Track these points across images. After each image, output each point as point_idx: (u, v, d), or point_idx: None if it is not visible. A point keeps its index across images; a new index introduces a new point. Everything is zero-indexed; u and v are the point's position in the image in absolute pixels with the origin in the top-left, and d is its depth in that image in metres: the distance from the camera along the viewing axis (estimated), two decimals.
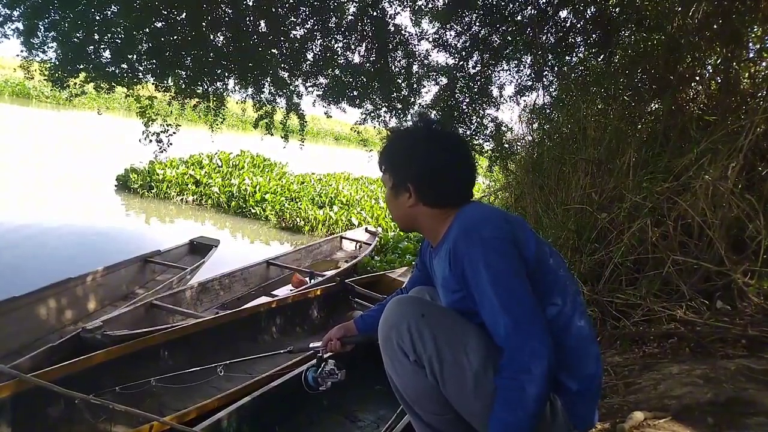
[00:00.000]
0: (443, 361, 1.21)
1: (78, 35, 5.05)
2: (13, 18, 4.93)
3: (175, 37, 5.46)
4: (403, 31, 6.18)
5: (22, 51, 5.16)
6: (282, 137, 6.79)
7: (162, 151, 6.40)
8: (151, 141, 6.22)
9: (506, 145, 6.60)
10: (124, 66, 5.51)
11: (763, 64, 3.50)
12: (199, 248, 6.02)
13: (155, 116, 6.20)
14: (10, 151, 11.05)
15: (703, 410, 1.64)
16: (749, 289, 2.48)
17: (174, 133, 6.33)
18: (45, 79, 5.51)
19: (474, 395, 1.21)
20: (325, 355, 1.88)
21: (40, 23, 4.96)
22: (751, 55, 3.45)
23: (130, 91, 5.86)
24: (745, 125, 2.74)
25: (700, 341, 2.27)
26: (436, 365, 1.21)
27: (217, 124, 6.70)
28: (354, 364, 3.35)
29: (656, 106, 3.85)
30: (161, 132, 6.23)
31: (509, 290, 1.17)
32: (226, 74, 6.06)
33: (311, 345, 2.07)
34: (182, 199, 10.24)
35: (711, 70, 3.57)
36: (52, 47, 5.18)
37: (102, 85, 5.62)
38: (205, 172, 11.25)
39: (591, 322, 1.34)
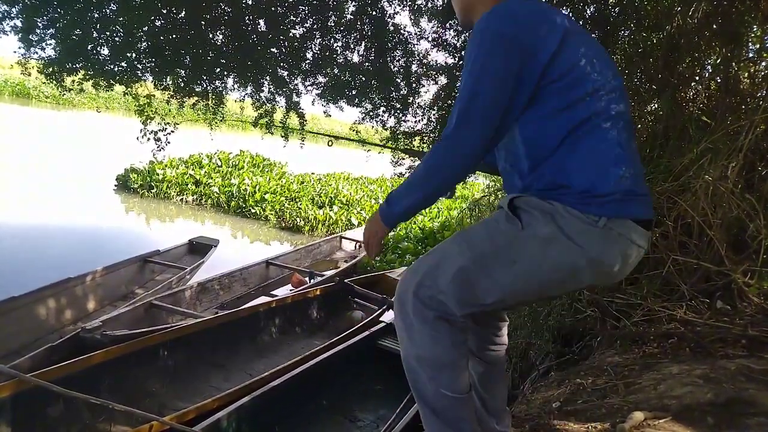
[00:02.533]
0: (464, 270, 1.18)
1: (76, 33, 5.04)
2: (12, 15, 4.92)
3: (174, 36, 5.45)
4: (402, 31, 6.17)
5: (20, 48, 5.16)
6: (282, 136, 6.79)
7: (160, 150, 6.38)
8: (149, 139, 6.21)
9: None
10: (123, 64, 5.51)
11: (763, 64, 3.50)
12: (199, 248, 6.02)
13: (153, 114, 6.19)
14: (10, 151, 11.04)
15: (703, 410, 1.64)
16: (749, 289, 2.48)
17: (172, 131, 6.32)
18: (40, 72, 5.50)
19: (502, 270, 1.18)
20: None
21: (39, 20, 4.95)
22: (751, 55, 3.45)
23: (129, 89, 5.85)
24: (745, 125, 2.73)
25: (700, 341, 2.27)
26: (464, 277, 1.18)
27: (217, 123, 6.70)
28: (355, 364, 3.36)
29: (656, 106, 3.85)
30: (159, 130, 6.22)
31: (474, 85, 1.13)
32: (226, 73, 6.05)
33: None
34: (182, 198, 10.24)
35: (711, 70, 3.57)
36: (50, 44, 5.18)
37: (100, 83, 5.61)
38: (205, 171, 11.25)
39: (627, 132, 1.21)
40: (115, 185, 10.36)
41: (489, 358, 1.48)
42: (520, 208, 1.19)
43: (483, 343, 1.47)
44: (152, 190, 10.09)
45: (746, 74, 3.39)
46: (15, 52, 5.28)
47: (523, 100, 1.15)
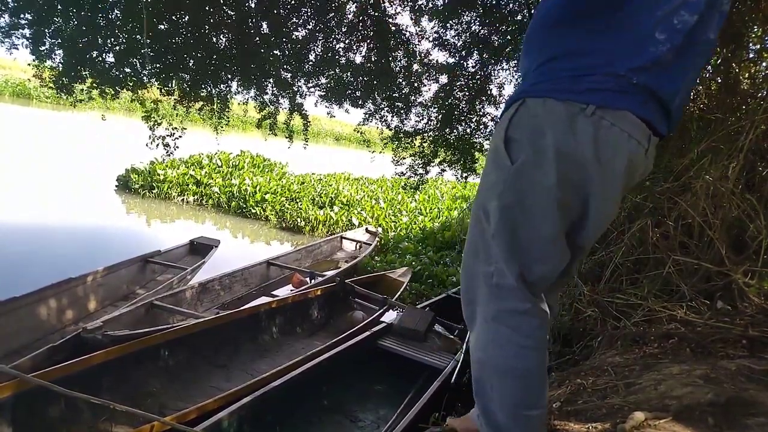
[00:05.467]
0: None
1: (82, 40, 5.07)
2: (20, 25, 4.93)
3: (178, 40, 5.47)
4: (403, 31, 6.19)
5: (33, 60, 5.20)
6: (286, 137, 6.81)
7: (169, 155, 6.43)
8: (158, 145, 6.24)
9: None
10: (128, 70, 5.53)
11: (763, 64, 3.50)
12: (200, 248, 6.02)
13: (160, 120, 6.21)
14: (10, 151, 11.06)
15: (703, 410, 1.64)
16: (750, 289, 2.48)
17: (180, 136, 6.35)
18: (51, 87, 5.55)
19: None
20: None
21: (47, 30, 4.97)
22: (752, 55, 3.46)
23: (135, 95, 5.88)
24: (745, 125, 2.73)
25: (701, 341, 2.27)
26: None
27: (222, 127, 6.71)
28: (356, 364, 3.36)
29: None
30: (167, 135, 6.24)
31: None
32: (229, 76, 6.07)
33: None
34: (183, 199, 10.25)
35: (711, 71, 3.57)
36: (59, 54, 5.21)
37: (107, 91, 5.64)
38: (206, 172, 11.26)
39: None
40: (116, 185, 10.37)
41: None
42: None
43: None
44: (153, 191, 10.09)
45: (746, 74, 3.39)
46: (29, 64, 5.36)
47: None
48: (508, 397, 1.13)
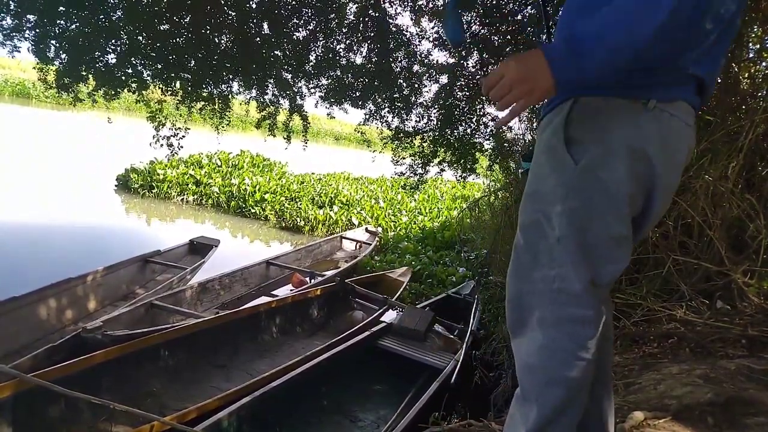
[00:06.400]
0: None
1: (84, 41, 5.06)
2: (23, 28, 4.93)
3: (180, 40, 5.47)
4: (404, 31, 6.18)
5: (37, 63, 5.21)
6: (285, 138, 6.81)
7: (173, 155, 6.44)
8: (162, 145, 6.25)
9: (506, 144, 6.60)
10: (129, 71, 5.53)
11: (763, 63, 3.50)
12: (199, 248, 6.02)
13: (165, 120, 6.21)
14: (10, 151, 11.05)
15: (703, 410, 1.64)
16: (749, 289, 2.48)
17: (184, 136, 6.36)
18: (53, 88, 5.55)
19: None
20: None
21: (50, 31, 4.97)
22: (751, 55, 3.46)
23: (139, 96, 5.88)
24: (745, 125, 2.74)
25: (700, 341, 2.27)
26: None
27: (223, 127, 6.72)
28: (355, 364, 3.36)
29: None
30: (171, 135, 6.26)
31: None
32: (230, 76, 6.07)
33: None
34: (182, 199, 10.24)
35: None
36: (60, 55, 5.21)
37: (109, 92, 5.64)
38: (205, 172, 11.26)
39: None
40: (116, 185, 10.37)
41: None
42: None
43: None
44: (153, 190, 10.09)
45: (746, 74, 3.39)
46: (34, 68, 5.37)
47: None
48: (549, 406, 1.10)
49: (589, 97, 1.10)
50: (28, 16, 4.87)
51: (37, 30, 4.92)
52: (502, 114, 1.07)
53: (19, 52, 5.02)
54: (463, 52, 6.28)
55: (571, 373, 1.09)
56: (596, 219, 1.09)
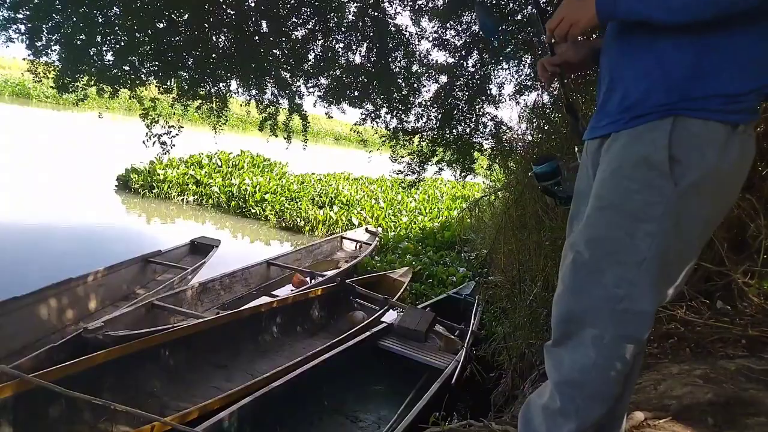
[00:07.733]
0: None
1: (80, 37, 5.06)
2: (18, 20, 4.92)
3: (178, 38, 5.46)
4: (403, 31, 6.19)
5: (29, 55, 5.18)
6: (285, 138, 6.81)
7: (165, 153, 6.41)
8: (154, 143, 6.23)
9: (506, 144, 6.60)
10: (127, 68, 5.52)
11: None
12: (200, 248, 6.03)
13: (158, 118, 6.20)
14: (11, 151, 11.05)
15: (703, 410, 1.64)
16: (749, 289, 2.48)
17: (177, 134, 6.34)
18: (52, 87, 5.55)
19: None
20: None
21: (44, 25, 4.96)
22: None
23: (133, 93, 5.87)
24: None
25: (701, 341, 2.27)
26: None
27: (220, 126, 6.71)
28: (356, 364, 3.37)
29: None
30: (164, 133, 6.24)
31: None
32: (229, 75, 6.06)
33: None
34: (183, 199, 10.25)
35: None
36: (55, 50, 5.19)
37: (105, 89, 5.63)
38: (206, 172, 11.26)
39: None
40: (116, 185, 10.38)
41: None
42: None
43: None
44: (153, 191, 10.10)
45: None
46: (24, 59, 5.32)
47: None
48: (589, 422, 1.12)
49: (691, 119, 1.08)
50: (23, 9, 4.86)
51: (32, 23, 4.91)
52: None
53: (13, 42, 5.01)
54: (463, 52, 6.29)
55: (616, 390, 1.11)
56: (684, 244, 1.10)
